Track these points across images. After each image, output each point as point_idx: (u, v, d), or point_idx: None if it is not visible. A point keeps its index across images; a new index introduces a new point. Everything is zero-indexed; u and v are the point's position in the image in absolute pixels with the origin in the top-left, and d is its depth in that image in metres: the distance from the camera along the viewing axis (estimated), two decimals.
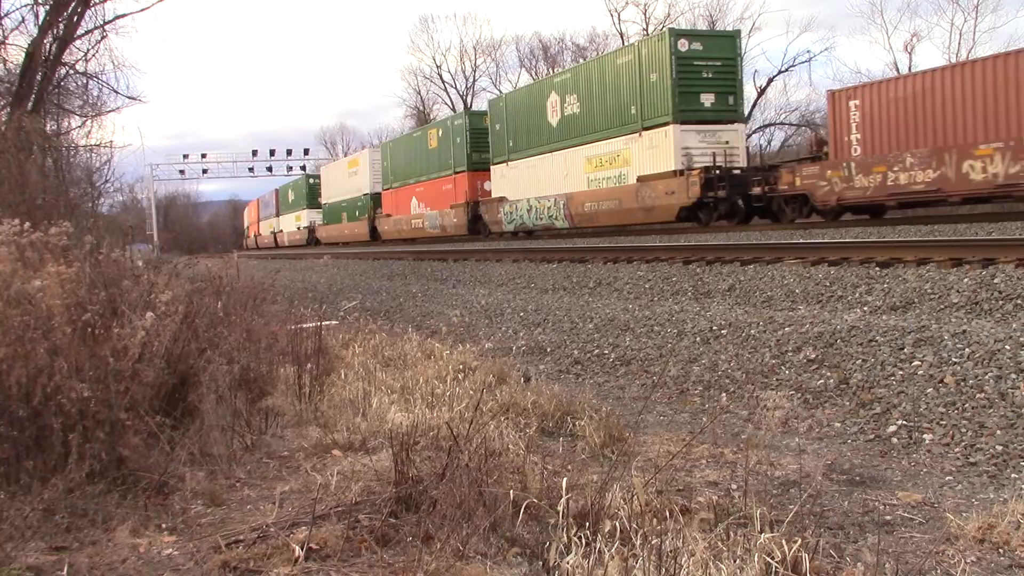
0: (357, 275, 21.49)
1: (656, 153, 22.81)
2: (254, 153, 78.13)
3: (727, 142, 22.45)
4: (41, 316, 4.20)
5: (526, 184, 29.13)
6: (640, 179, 23.27)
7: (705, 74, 22.47)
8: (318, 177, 58.78)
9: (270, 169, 78.04)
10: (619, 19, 62.70)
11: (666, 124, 22.31)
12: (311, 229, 57.28)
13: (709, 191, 21.14)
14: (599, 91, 25.39)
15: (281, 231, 67.12)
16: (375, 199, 43.75)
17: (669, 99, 22.15)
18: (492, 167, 31.58)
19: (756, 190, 21.10)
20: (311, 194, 58.41)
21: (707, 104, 22.48)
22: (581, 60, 53.21)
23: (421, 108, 74.07)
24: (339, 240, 49.69)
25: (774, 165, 23.24)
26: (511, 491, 3.51)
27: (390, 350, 8.59)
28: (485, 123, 32.96)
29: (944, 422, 5.23)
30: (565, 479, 3.50)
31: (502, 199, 30.54)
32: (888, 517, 3.94)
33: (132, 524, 3.66)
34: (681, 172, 21.80)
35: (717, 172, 21.44)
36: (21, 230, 4.73)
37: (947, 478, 4.57)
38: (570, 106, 27.06)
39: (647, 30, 58.34)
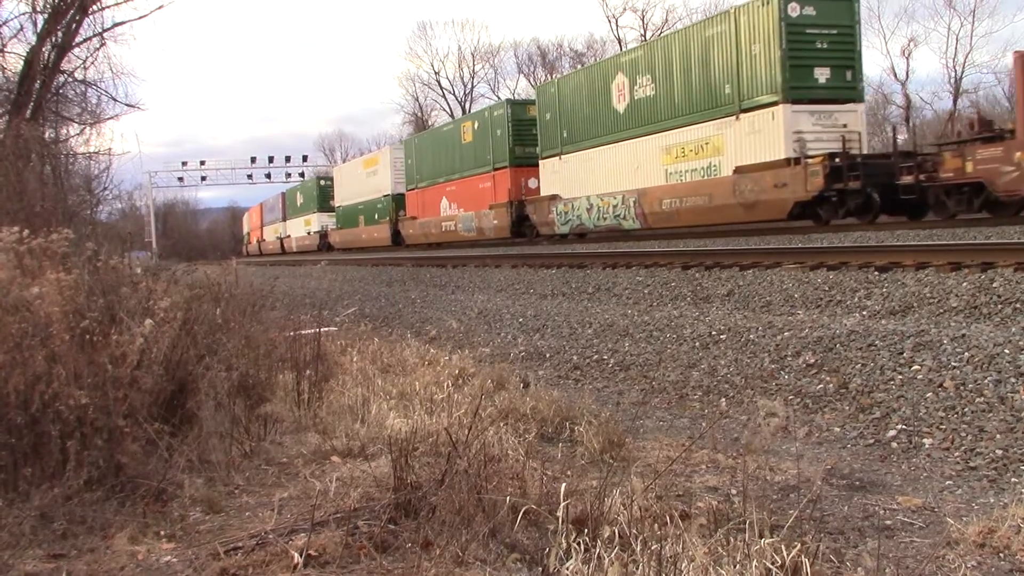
0: (356, 281, 21.48)
1: (759, 139, 19.32)
2: (253, 160, 78.23)
3: (845, 125, 18.92)
4: (39, 323, 4.19)
5: (585, 180, 25.33)
6: (739, 170, 19.66)
7: (819, 44, 18.93)
8: (330, 179, 55.72)
9: (269, 176, 78.15)
10: (617, 25, 62.97)
11: (773, 104, 18.89)
12: (323, 234, 53.84)
13: (835, 182, 17.67)
14: (681, 69, 21.62)
15: (288, 236, 63.77)
16: (397, 201, 40.11)
17: (777, 74, 18.66)
18: (541, 162, 27.90)
19: (907, 179, 17.09)
20: (322, 197, 55.00)
21: (822, 80, 18.96)
22: (579, 65, 52.89)
23: (419, 114, 74.22)
24: (356, 245, 45.86)
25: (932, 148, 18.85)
26: (510, 497, 3.50)
27: (389, 356, 8.58)
28: (531, 113, 29.22)
29: (944, 426, 5.23)
30: (564, 485, 3.50)
31: (554, 197, 26.88)
32: (888, 522, 3.94)
33: (130, 531, 3.65)
34: (796, 161, 18.35)
35: (845, 159, 17.98)
36: (20, 237, 4.72)
37: (947, 482, 4.56)
38: (642, 88, 23.01)
39: (644, 36, 58.48)
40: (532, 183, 28.88)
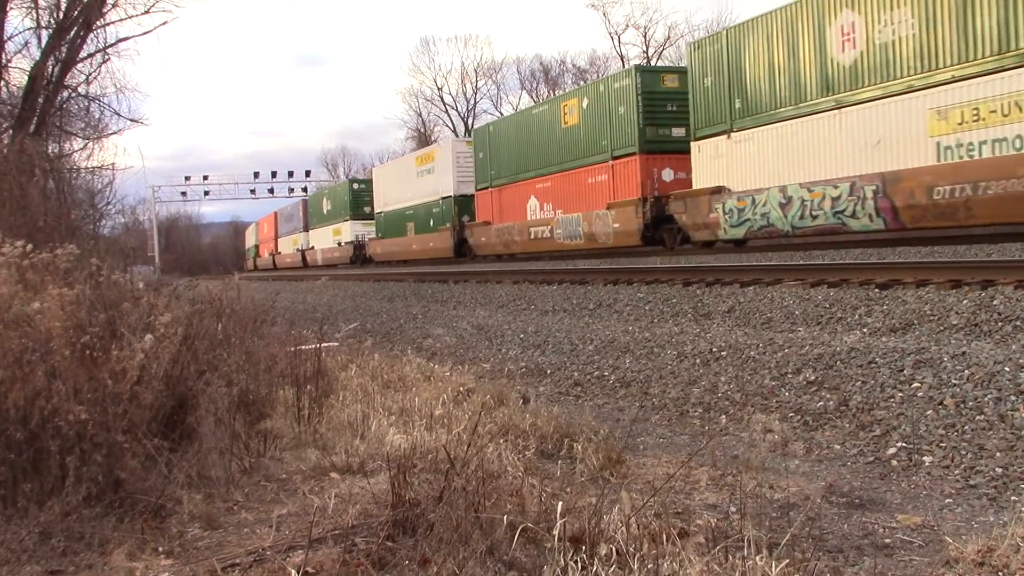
0: (358, 296, 21.50)
1: None
2: (256, 175, 78.45)
3: None
4: (40, 338, 4.21)
5: (775, 165, 18.66)
6: None
7: None
8: (365, 182, 49.35)
9: (271, 191, 78.30)
10: (619, 42, 63.27)
11: None
12: (358, 244, 47.14)
13: None
14: None
15: (312, 248, 56.80)
16: (462, 203, 33.75)
17: None
18: (695, 145, 20.77)
19: None
20: (356, 202, 48.30)
21: None
22: (582, 83, 52.71)
23: (422, 130, 74.48)
24: (404, 257, 39.50)
25: None
26: (508, 515, 3.50)
27: (389, 372, 8.59)
28: (666, 84, 23.00)
29: (944, 444, 5.22)
30: (560, 503, 3.49)
31: (718, 191, 19.92)
32: (887, 540, 3.93)
33: (129, 547, 3.65)
34: None
35: None
36: (24, 252, 4.74)
37: (947, 501, 4.55)
38: (886, 28, 16.17)
39: (647, 53, 58.71)
40: (667, 175, 22.73)
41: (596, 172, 24.84)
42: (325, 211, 53.99)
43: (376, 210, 43.09)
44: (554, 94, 58.76)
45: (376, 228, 43.34)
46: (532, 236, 28.37)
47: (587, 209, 25.14)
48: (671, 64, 50.90)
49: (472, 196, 33.02)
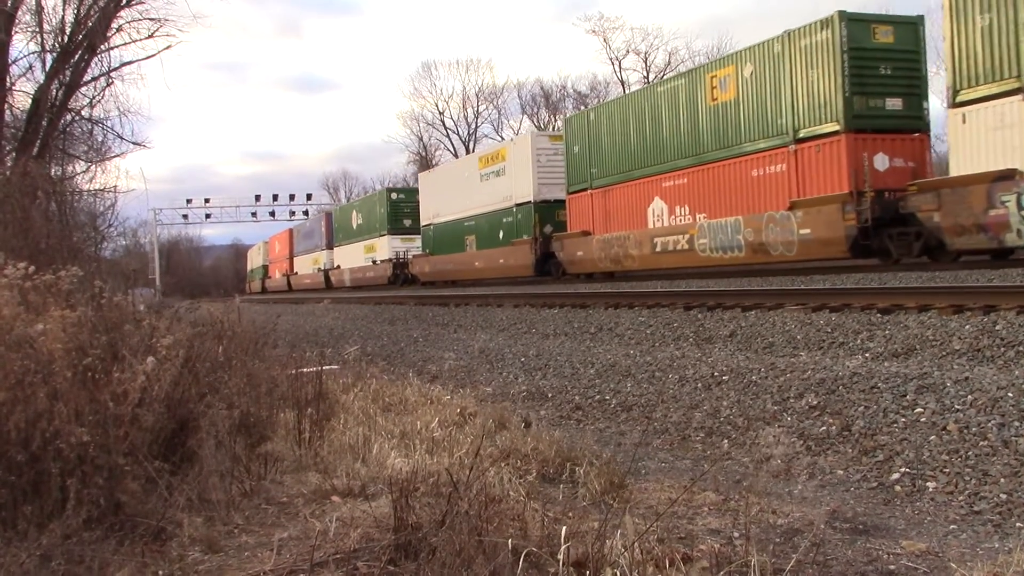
0: (359, 319, 21.50)
1: None
2: (257, 198, 78.54)
3: None
4: (42, 360, 4.20)
5: None
6: None
7: None
8: (405, 191, 44.56)
9: (273, 214, 78.39)
10: (620, 67, 63.51)
11: None
12: (399, 263, 41.03)
13: None
14: None
15: (338, 267, 50.63)
16: (544, 211, 27.86)
17: None
18: (958, 112, 14.66)
19: None
20: (394, 215, 42.31)
21: None
22: (583, 107, 52.48)
23: (423, 154, 74.67)
24: (460, 277, 34.06)
25: None
26: (511, 539, 3.48)
27: (391, 395, 8.57)
28: (879, 38, 17.17)
29: (947, 470, 5.20)
30: (564, 527, 3.47)
31: (1010, 176, 13.75)
32: (892, 567, 3.90)
33: (129, 571, 3.62)
34: None
35: None
36: (26, 274, 4.75)
37: (951, 527, 4.53)
38: None
39: (647, 78, 59.01)
40: (879, 162, 16.89)
41: (766, 161, 18.73)
42: (355, 226, 47.56)
43: (423, 223, 37.48)
44: (555, 119, 58.16)
45: (423, 243, 37.73)
46: (658, 249, 22.07)
47: (751, 211, 19.01)
48: None
49: (560, 202, 27.30)
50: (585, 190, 25.39)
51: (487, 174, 31.30)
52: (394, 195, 43.85)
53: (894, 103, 17.24)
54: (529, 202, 28.23)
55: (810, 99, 17.67)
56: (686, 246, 21.10)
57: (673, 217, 21.70)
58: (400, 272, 40.74)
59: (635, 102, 23.76)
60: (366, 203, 47.85)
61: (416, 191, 41.19)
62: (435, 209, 35.96)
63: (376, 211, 44.21)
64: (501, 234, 29.95)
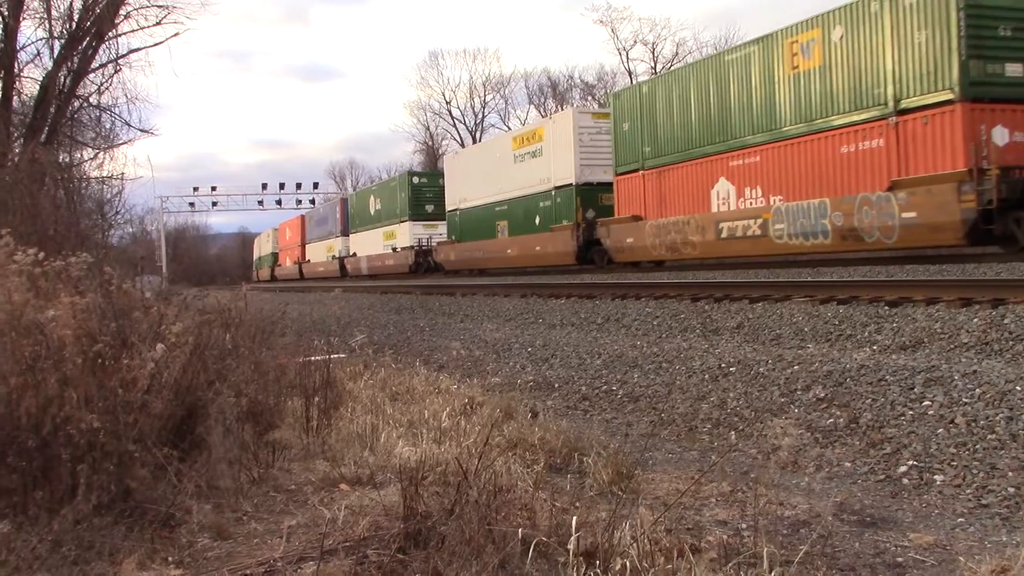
0: (365, 308, 21.51)
1: None
2: (264, 186, 78.73)
3: None
4: (52, 346, 4.21)
5: None
6: None
7: None
8: (428, 175, 43.18)
9: (279, 202, 78.51)
10: (627, 57, 63.34)
11: None
12: (420, 251, 39.38)
13: None
14: None
15: (354, 255, 48.60)
16: (586, 194, 25.95)
17: None
18: None
19: None
20: (416, 200, 40.41)
21: None
22: (590, 98, 52.23)
23: (430, 143, 74.65)
24: (491, 265, 32.16)
25: None
26: (520, 528, 3.49)
27: (398, 384, 8.58)
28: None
29: (955, 463, 5.20)
30: (575, 517, 3.48)
31: None
32: (900, 559, 3.90)
33: (139, 557, 3.64)
34: None
35: None
36: (36, 260, 4.75)
37: (959, 520, 4.53)
38: None
39: (655, 69, 58.85)
40: (998, 135, 14.89)
41: (859, 136, 16.78)
42: (373, 211, 45.52)
43: (449, 208, 35.57)
44: (561, 108, 57.76)
45: (449, 230, 35.78)
46: (723, 235, 20.07)
47: (840, 193, 17.12)
48: None
49: (604, 185, 25.22)
50: (636, 171, 23.26)
51: (522, 155, 29.33)
52: (416, 179, 41.94)
53: (1014, 69, 15.25)
54: (570, 185, 26.33)
55: (916, 65, 15.56)
56: (758, 232, 19.03)
57: (742, 200, 19.69)
58: (423, 260, 39.04)
59: (697, 73, 21.42)
60: (385, 188, 45.53)
61: (439, 175, 39.78)
62: (462, 193, 34.08)
63: (397, 196, 42.17)
64: (538, 219, 28.14)
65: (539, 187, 27.95)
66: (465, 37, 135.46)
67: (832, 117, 17.38)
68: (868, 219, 16.44)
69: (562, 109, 54.90)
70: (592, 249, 25.61)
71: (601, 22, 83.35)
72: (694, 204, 21.13)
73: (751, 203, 19.44)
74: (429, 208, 39.94)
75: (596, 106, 26.18)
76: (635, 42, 64.32)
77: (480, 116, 73.17)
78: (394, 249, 41.84)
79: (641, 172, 23.07)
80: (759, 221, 19.05)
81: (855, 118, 16.87)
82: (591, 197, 25.87)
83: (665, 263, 23.07)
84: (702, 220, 20.71)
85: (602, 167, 25.50)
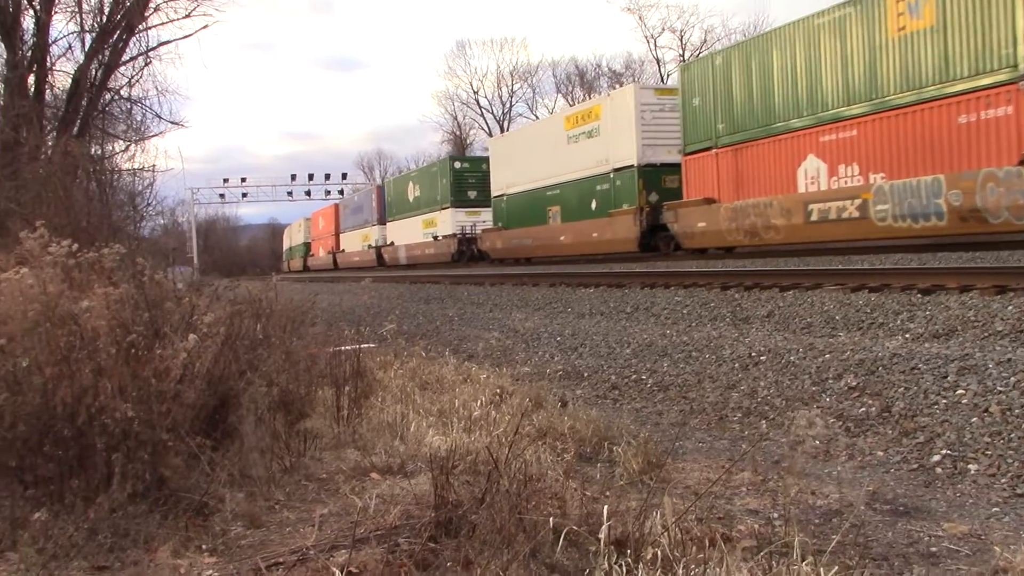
0: (395, 298, 21.58)
1: None
2: (293, 177, 79.15)
3: None
4: (87, 336, 4.26)
5: None
6: None
7: None
8: (470, 160, 40.96)
9: (308, 193, 78.85)
10: (655, 45, 62.99)
11: None
12: (464, 238, 37.32)
13: None
14: None
15: (391, 244, 46.33)
16: (649, 176, 23.87)
17: None
18: None
19: None
20: (458, 186, 38.17)
21: None
22: (618, 86, 51.66)
23: (458, 133, 74.66)
24: (542, 253, 30.04)
25: None
26: (551, 517, 3.49)
27: (427, 373, 8.61)
28: None
29: (989, 452, 5.14)
30: (606, 506, 3.48)
31: None
32: (934, 548, 3.87)
33: (173, 545, 3.68)
34: None
35: None
36: (70, 252, 4.81)
37: (994, 509, 4.48)
38: None
39: (683, 56, 58.48)
40: None
41: (981, 104, 14.49)
42: (411, 199, 43.33)
43: (494, 193, 33.40)
44: (589, 97, 57.44)
45: (495, 216, 33.66)
46: (814, 217, 17.94)
47: (957, 168, 14.90)
48: None
49: (668, 166, 23.41)
50: (708, 149, 21.10)
51: (576, 135, 27.03)
52: (458, 164, 39.58)
53: None
54: (631, 166, 24.00)
55: None
56: (856, 213, 16.88)
57: (835, 179, 17.53)
58: (466, 248, 36.98)
59: (781, 40, 19.05)
60: (425, 174, 42.99)
61: (482, 160, 38.03)
62: (509, 178, 31.95)
63: (437, 182, 39.74)
64: (594, 204, 25.91)
65: (596, 169, 25.79)
66: (492, 26, 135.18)
67: (947, 84, 15.06)
68: (994, 198, 14.11)
69: (589, 97, 54.58)
70: (657, 235, 23.56)
71: (628, 9, 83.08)
72: (777, 184, 19.07)
73: (847, 182, 17.28)
74: (472, 194, 38.03)
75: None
76: (663, 29, 64.00)
77: (508, 105, 73.10)
78: (435, 237, 39.73)
79: (714, 151, 20.93)
80: (857, 202, 16.87)
81: (976, 83, 14.54)
82: (654, 179, 23.88)
83: (735, 249, 21.26)
84: (787, 202, 18.65)
85: (666, 147, 23.62)
